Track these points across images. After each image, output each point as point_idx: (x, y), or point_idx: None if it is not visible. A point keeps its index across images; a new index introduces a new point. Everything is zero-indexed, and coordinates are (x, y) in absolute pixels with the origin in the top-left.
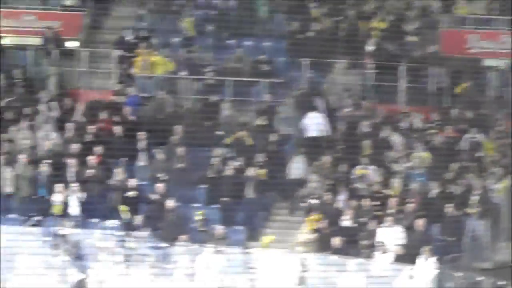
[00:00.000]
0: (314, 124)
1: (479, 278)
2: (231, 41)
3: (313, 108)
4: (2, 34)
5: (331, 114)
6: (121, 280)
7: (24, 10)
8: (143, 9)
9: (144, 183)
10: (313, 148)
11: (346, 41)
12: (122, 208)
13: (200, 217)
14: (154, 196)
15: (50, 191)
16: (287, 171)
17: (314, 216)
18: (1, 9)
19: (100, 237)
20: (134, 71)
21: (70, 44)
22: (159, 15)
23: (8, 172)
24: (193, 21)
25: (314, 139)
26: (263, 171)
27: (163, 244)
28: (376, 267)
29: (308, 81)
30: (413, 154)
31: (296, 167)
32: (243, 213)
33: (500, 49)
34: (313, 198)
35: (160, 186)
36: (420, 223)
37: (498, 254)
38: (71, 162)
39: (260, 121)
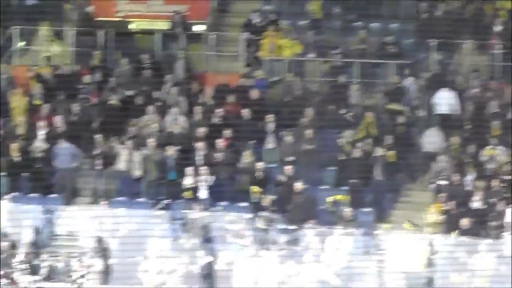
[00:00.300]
0: (445, 101)
1: None
2: (358, 23)
3: (443, 88)
4: (129, 19)
5: (459, 94)
6: (250, 263)
7: None
8: None
9: (272, 165)
10: (443, 125)
11: (474, 22)
12: (254, 189)
13: (332, 200)
14: (282, 179)
15: (179, 175)
16: (417, 149)
17: (442, 197)
18: None
19: (229, 220)
20: (262, 54)
21: (198, 28)
22: None
23: (137, 156)
24: (320, 3)
25: (444, 116)
26: (392, 153)
27: (292, 226)
28: (505, 248)
29: (436, 62)
30: None
31: (429, 141)
32: (371, 195)
33: None
34: (441, 179)
35: (288, 169)
36: None
37: None
38: (199, 145)
39: (389, 102)
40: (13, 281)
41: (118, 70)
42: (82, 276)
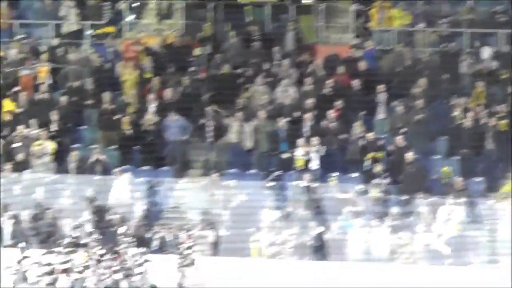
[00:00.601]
0: None
1: None
2: None
3: None
4: None
5: None
6: (362, 233)
7: None
8: None
9: (383, 136)
10: None
11: None
12: (371, 155)
13: (445, 171)
14: (393, 149)
15: (290, 146)
16: None
17: None
18: None
19: (340, 190)
20: (371, 24)
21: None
22: None
23: (248, 128)
24: None
25: None
26: (503, 122)
27: (404, 197)
28: None
29: None
30: None
31: None
32: (483, 164)
33: None
34: None
35: (399, 139)
36: None
37: None
38: (310, 116)
39: (500, 71)
40: (118, 254)
41: (228, 42)
42: (189, 248)
